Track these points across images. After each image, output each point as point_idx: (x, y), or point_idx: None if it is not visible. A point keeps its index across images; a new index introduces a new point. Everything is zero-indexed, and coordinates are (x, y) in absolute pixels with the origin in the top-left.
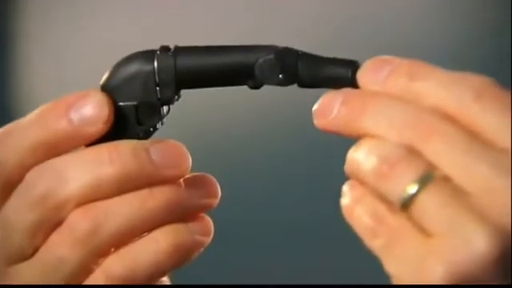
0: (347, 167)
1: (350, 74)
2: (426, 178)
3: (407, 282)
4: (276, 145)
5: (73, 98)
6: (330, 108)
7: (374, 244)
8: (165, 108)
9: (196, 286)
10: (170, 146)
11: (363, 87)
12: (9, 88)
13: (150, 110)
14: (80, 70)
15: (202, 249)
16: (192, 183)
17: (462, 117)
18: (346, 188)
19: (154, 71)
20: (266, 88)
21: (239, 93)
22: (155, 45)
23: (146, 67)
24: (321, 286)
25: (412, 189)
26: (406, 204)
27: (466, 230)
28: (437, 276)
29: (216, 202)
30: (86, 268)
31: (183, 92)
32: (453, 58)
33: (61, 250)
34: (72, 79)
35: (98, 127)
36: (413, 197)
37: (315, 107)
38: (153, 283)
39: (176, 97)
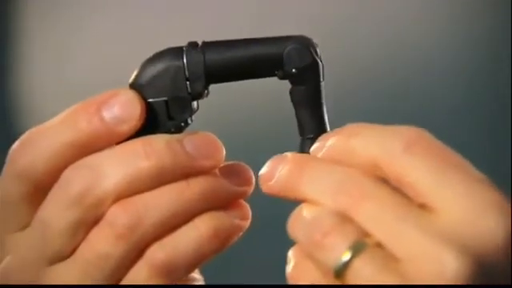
0: (289, 233)
1: (306, 136)
2: (358, 246)
3: None
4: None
5: (103, 97)
6: (272, 173)
7: None
8: (194, 103)
9: (210, 287)
10: (203, 138)
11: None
12: (9, 88)
13: (181, 105)
14: (80, 69)
15: (241, 233)
16: (227, 172)
17: (392, 171)
18: (289, 254)
19: (183, 66)
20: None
21: (264, 87)
22: (155, 44)
23: (176, 63)
24: (321, 286)
25: (345, 257)
26: (340, 272)
27: None
28: None
29: (251, 189)
30: (129, 262)
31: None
32: (453, 58)
33: (103, 246)
34: (72, 79)
35: (131, 125)
36: (346, 265)
37: (261, 172)
38: (194, 270)
39: (206, 91)
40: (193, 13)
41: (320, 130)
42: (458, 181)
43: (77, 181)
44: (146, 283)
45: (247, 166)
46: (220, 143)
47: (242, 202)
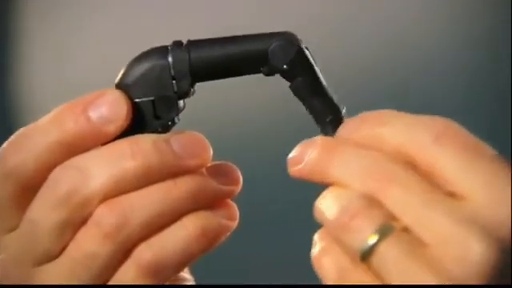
0: (316, 216)
1: (327, 119)
2: (385, 230)
3: None
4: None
5: (90, 98)
6: (301, 156)
7: None
8: (181, 102)
9: (210, 287)
10: (190, 137)
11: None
12: (9, 88)
13: (168, 104)
14: (80, 69)
15: (229, 233)
16: (214, 172)
17: (422, 160)
18: (315, 237)
19: (168, 65)
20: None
21: (251, 85)
22: (156, 44)
23: (161, 62)
24: (321, 285)
25: (372, 240)
26: (366, 255)
27: (420, 284)
28: None
29: (238, 188)
30: (117, 261)
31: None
32: (453, 58)
33: (90, 245)
34: (72, 79)
35: (117, 125)
36: (372, 248)
37: (290, 156)
38: (182, 270)
39: (192, 90)
40: (193, 12)
41: (335, 110)
42: (485, 169)
43: (64, 181)
44: (133, 283)
45: (234, 166)
46: (207, 142)
47: (230, 201)
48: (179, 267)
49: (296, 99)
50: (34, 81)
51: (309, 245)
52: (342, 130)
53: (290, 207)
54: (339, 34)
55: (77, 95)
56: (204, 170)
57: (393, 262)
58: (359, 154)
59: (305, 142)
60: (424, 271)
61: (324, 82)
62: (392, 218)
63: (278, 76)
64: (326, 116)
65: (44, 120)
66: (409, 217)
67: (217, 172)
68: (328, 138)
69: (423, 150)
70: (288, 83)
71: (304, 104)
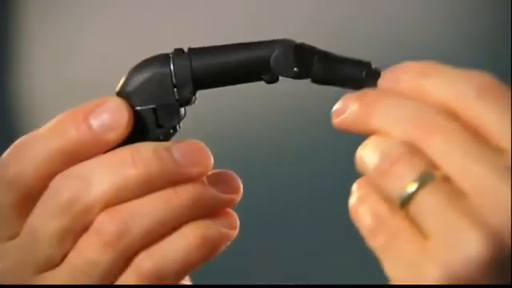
0: (357, 164)
1: (363, 75)
2: (426, 178)
3: (404, 283)
4: (291, 144)
5: (91, 106)
6: (344, 108)
7: (374, 245)
8: (182, 110)
9: (207, 287)
10: (190, 145)
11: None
12: (9, 88)
13: (169, 112)
14: (80, 69)
15: (229, 242)
16: (214, 180)
17: (465, 114)
18: (354, 187)
19: (170, 73)
20: (282, 87)
21: (251, 93)
22: (155, 45)
23: (162, 70)
24: (321, 285)
25: (411, 187)
26: (405, 202)
27: (459, 233)
28: (431, 278)
29: (239, 197)
30: (117, 269)
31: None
32: (453, 57)
33: (91, 253)
34: (72, 79)
35: (119, 133)
36: (412, 195)
37: (333, 108)
38: (182, 279)
39: (193, 98)
40: (193, 13)
41: (364, 64)
42: None
43: (65, 189)
44: None
45: (235, 174)
46: (208, 151)
47: (230, 210)
48: (179, 276)
49: (297, 106)
50: (33, 81)
51: (309, 247)
52: (383, 81)
53: (290, 212)
54: (339, 33)
55: (77, 95)
56: (204, 178)
57: (431, 210)
58: (401, 103)
59: (348, 95)
60: (462, 221)
61: (337, 55)
62: (433, 166)
63: (279, 84)
64: (360, 73)
65: (45, 128)
66: (450, 166)
67: (217, 180)
68: (370, 90)
69: (467, 104)
70: (286, 86)
71: (334, 82)
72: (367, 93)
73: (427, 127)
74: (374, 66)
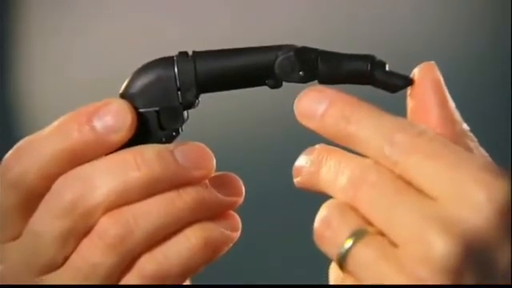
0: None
1: (368, 68)
2: (359, 233)
3: None
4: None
5: (94, 107)
6: (299, 169)
7: None
8: (185, 113)
9: (206, 287)
10: (193, 148)
11: (300, 118)
12: (9, 88)
13: (173, 115)
14: (81, 69)
15: (231, 244)
16: (217, 183)
17: (396, 166)
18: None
19: (174, 76)
20: (284, 91)
21: (253, 96)
22: (156, 46)
23: (167, 73)
24: (322, 285)
25: (348, 244)
26: (344, 259)
27: (389, 283)
28: None
29: (241, 199)
30: (120, 272)
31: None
32: (453, 57)
33: (93, 256)
34: (72, 79)
35: (122, 134)
36: (348, 250)
37: (295, 164)
38: (184, 281)
39: (197, 101)
40: (193, 14)
41: (366, 57)
42: (449, 167)
43: (68, 191)
44: None
45: (237, 177)
46: (210, 153)
47: (232, 212)
48: (182, 278)
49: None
50: (35, 82)
51: (309, 246)
52: (303, 107)
53: (291, 214)
54: (339, 34)
55: (78, 96)
56: (207, 180)
57: (366, 264)
58: (340, 163)
59: (304, 153)
60: (394, 273)
61: (336, 51)
62: (367, 222)
63: (282, 89)
64: (365, 67)
65: (48, 129)
66: (380, 219)
67: (220, 183)
68: (318, 149)
69: (395, 156)
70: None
71: (341, 80)
72: (313, 155)
73: (356, 184)
74: (376, 58)
